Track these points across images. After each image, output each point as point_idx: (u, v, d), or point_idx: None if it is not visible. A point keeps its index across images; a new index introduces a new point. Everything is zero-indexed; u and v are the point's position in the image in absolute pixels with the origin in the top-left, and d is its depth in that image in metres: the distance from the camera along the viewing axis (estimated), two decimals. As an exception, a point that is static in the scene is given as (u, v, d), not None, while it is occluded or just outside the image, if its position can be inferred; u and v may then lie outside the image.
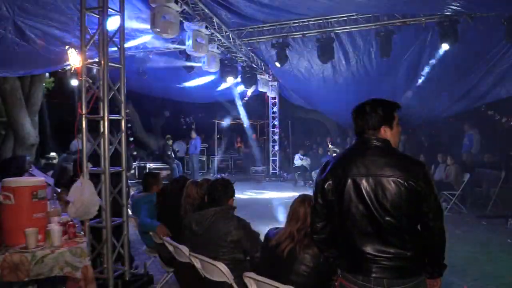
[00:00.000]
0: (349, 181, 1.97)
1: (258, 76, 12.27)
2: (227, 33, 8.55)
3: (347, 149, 2.21)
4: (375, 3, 6.72)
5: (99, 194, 3.87)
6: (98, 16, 4.09)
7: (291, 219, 2.59)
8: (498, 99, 9.91)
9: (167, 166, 12.55)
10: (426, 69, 8.98)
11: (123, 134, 4.25)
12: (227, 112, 16.26)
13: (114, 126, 4.20)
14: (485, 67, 8.71)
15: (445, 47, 7.69)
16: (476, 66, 8.75)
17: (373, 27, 8.01)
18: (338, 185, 2.00)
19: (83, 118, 3.91)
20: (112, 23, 4.25)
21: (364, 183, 1.94)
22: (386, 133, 2.04)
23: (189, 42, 7.41)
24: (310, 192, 2.35)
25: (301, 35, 8.77)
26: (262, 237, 2.93)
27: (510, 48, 7.91)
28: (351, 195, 1.96)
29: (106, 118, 3.99)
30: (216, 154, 15.82)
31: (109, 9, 4.08)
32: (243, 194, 10.68)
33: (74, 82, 10.48)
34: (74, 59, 4.13)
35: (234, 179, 3.77)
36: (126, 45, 4.85)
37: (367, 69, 9.39)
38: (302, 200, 2.63)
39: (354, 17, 7.99)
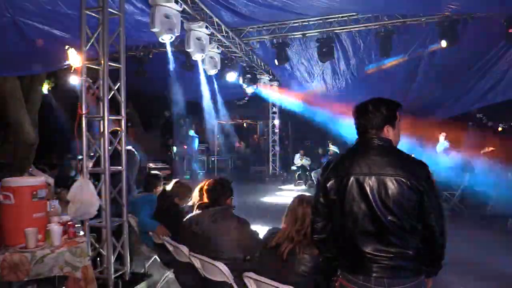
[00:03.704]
0: (352, 180, 1.96)
1: (258, 76, 12.26)
2: (227, 33, 8.54)
3: (349, 149, 2.20)
4: (376, 3, 6.73)
5: (99, 194, 3.87)
6: (98, 16, 4.09)
7: (290, 219, 2.58)
8: (494, 103, 9.93)
9: (167, 166, 12.53)
10: (425, 70, 8.98)
11: (123, 134, 4.25)
12: (228, 111, 16.20)
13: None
14: (484, 69, 8.70)
15: (443, 44, 7.68)
16: (475, 67, 8.74)
17: (373, 27, 8.01)
18: (341, 184, 2.00)
19: (83, 118, 3.92)
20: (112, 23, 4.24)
21: (367, 182, 1.93)
22: (389, 132, 2.03)
23: (189, 42, 7.42)
24: (310, 192, 2.35)
25: (301, 35, 8.77)
26: (261, 236, 2.93)
27: (510, 49, 7.91)
28: (354, 194, 1.96)
29: (106, 118, 3.99)
30: (215, 154, 15.80)
31: (109, 9, 4.08)
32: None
33: (74, 81, 10.46)
34: (74, 59, 4.13)
35: (233, 179, 3.77)
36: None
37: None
38: (300, 200, 2.62)
39: (354, 17, 7.98)
